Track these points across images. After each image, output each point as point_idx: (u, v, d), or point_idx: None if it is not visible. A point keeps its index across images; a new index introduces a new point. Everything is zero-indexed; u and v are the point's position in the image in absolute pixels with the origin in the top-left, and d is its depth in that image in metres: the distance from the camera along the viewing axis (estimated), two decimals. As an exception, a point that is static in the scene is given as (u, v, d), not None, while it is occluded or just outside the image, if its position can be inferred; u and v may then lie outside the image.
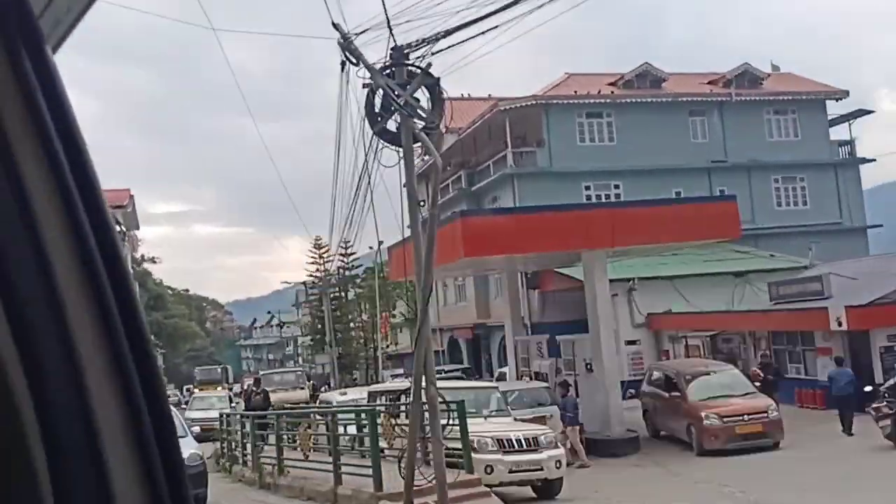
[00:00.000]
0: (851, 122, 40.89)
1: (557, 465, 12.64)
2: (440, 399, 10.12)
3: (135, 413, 0.82)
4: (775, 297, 23.82)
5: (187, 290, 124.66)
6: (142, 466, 0.81)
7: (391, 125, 10.94)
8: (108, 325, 0.82)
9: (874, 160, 41.06)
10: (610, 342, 18.54)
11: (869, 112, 41.14)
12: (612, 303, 30.89)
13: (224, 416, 23.97)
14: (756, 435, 16.47)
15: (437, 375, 26.07)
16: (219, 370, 60.33)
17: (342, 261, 42.52)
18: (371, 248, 34.41)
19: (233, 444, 20.42)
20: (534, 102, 35.42)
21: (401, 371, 41.18)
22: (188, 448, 11.85)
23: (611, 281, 30.57)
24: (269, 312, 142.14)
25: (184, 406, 49.73)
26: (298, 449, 13.85)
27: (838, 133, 40.98)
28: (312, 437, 13.46)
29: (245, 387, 31.61)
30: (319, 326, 46.36)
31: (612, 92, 37.28)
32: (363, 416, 13.30)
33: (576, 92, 36.24)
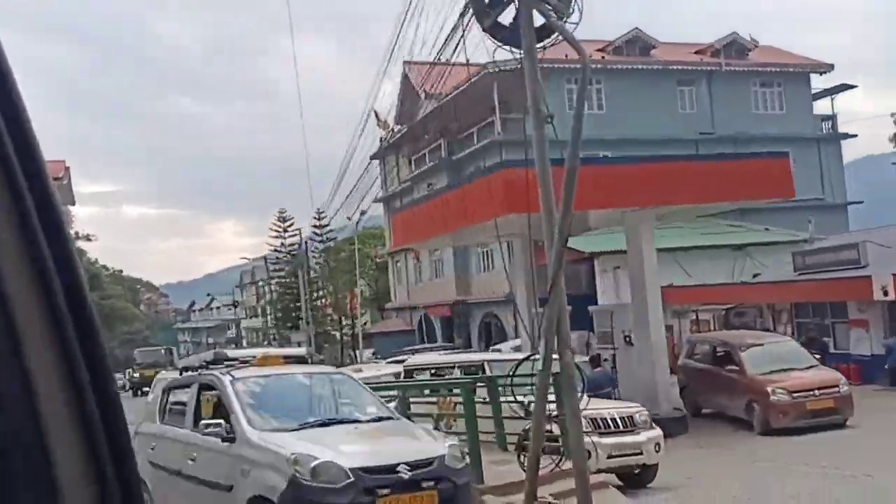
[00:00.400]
0: (834, 97, 40.33)
1: (657, 448, 10.81)
2: (573, 369, 8.10)
3: (82, 400, 0.79)
4: (801, 266, 22.49)
5: (121, 271, 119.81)
6: (89, 454, 0.79)
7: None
8: (55, 312, 0.79)
9: (856, 136, 40.60)
10: (658, 312, 16.80)
11: (852, 87, 40.54)
12: (613, 276, 29.79)
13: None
14: (827, 411, 14.99)
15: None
16: (162, 351, 57.02)
17: (315, 232, 39.88)
18: (349, 218, 32.13)
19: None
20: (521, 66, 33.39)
21: (371, 351, 39.02)
22: None
23: (610, 253, 29.36)
24: (208, 295, 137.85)
25: (128, 390, 46.28)
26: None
27: (819, 108, 40.36)
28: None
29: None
30: (288, 303, 43.63)
31: (603, 58, 35.61)
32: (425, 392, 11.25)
33: (566, 56, 34.36)
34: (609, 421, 10.61)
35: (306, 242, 38.44)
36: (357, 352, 36.97)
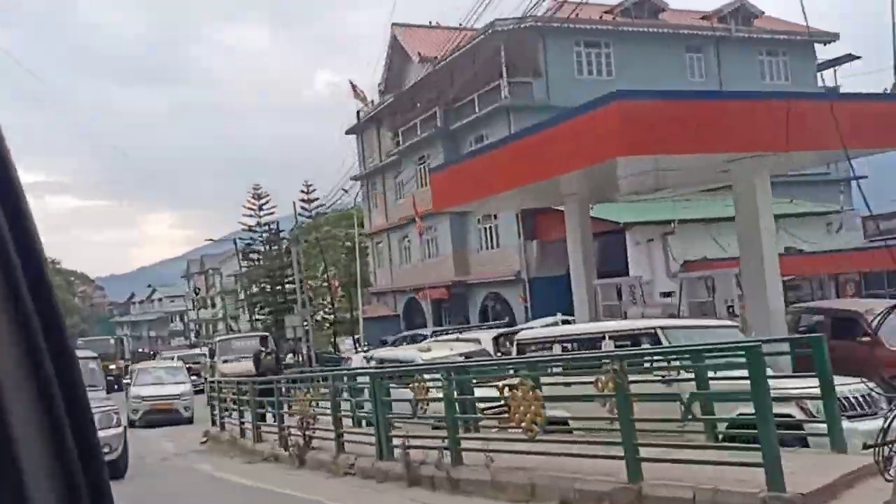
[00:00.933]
0: (837, 67, 39.02)
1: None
2: None
3: (49, 398, 0.78)
4: (873, 233, 20.52)
5: (58, 263, 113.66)
6: (56, 455, 0.78)
7: None
8: (20, 309, 0.78)
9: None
10: (776, 277, 14.43)
11: (856, 58, 39.22)
12: (647, 248, 27.46)
13: (217, 383, 18.76)
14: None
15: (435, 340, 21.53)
16: (112, 341, 52.88)
17: (304, 208, 36.49)
18: (346, 190, 29.05)
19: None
20: (532, 24, 30.80)
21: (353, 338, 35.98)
22: None
23: (642, 223, 27.11)
24: (149, 286, 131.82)
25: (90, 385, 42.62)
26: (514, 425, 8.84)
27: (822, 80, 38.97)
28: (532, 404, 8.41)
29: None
30: (265, 286, 40.02)
31: (614, 18, 33.32)
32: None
33: (577, 14, 31.96)
34: (853, 401, 8.14)
35: (299, 216, 35.07)
36: (355, 338, 33.90)
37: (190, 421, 20.97)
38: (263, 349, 21.29)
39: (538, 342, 10.67)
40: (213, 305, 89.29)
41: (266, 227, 40.70)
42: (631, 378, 7.69)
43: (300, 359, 27.11)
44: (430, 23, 38.68)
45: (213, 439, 16.99)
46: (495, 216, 32.47)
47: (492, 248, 33.21)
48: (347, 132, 45.79)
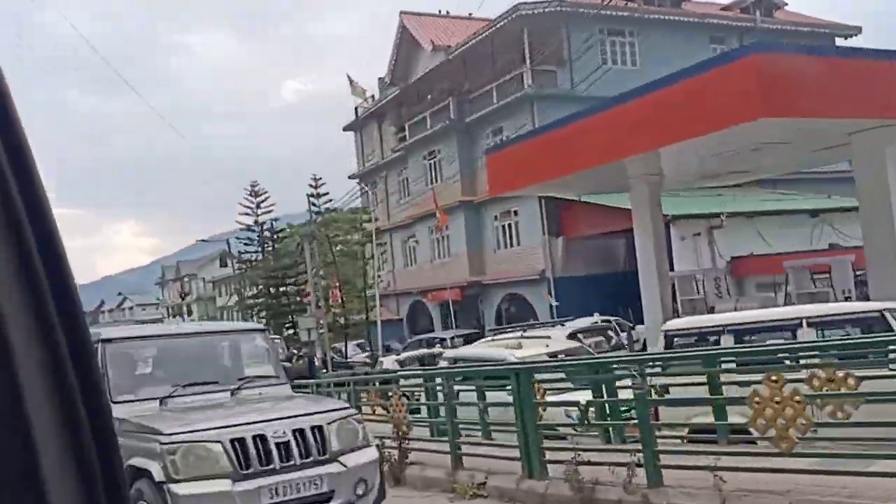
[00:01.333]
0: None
1: None
2: None
3: (71, 410, 0.78)
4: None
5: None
6: (77, 455, 0.78)
7: None
8: (45, 320, 0.78)
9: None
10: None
11: (876, 52, 38.14)
12: (693, 243, 25.73)
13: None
14: None
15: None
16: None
17: (313, 202, 34.14)
18: (363, 186, 26.77)
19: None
20: (557, 8, 29.06)
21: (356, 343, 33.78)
22: None
23: (688, 217, 25.43)
24: (119, 294, 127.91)
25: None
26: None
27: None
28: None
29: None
30: (265, 288, 37.52)
31: (640, 5, 31.76)
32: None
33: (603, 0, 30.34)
34: None
35: (313, 212, 32.69)
36: (370, 340, 31.66)
37: None
38: (295, 352, 19.20)
39: (699, 332, 8.76)
40: (190, 312, 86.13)
41: (262, 226, 38.31)
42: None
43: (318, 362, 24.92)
44: (439, 12, 36.82)
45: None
46: (515, 212, 30.66)
47: (510, 246, 31.35)
48: (345, 129, 43.72)
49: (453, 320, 36.02)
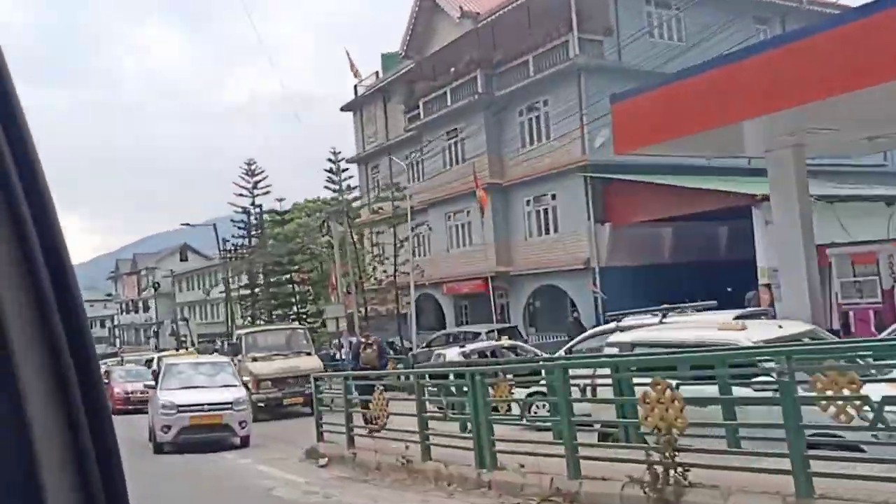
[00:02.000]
0: None
1: None
2: None
3: (70, 404, 0.78)
4: None
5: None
6: (76, 459, 0.78)
7: None
8: (47, 321, 0.78)
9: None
10: None
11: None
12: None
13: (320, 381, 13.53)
14: None
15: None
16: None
17: (331, 179, 30.69)
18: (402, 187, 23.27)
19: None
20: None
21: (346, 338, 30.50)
22: None
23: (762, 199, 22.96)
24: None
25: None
26: None
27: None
28: None
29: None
30: (265, 276, 33.85)
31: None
32: None
33: (650, -33, 27.92)
34: None
35: (341, 190, 29.19)
36: (400, 333, 28.50)
37: (245, 443, 14.85)
38: (363, 340, 16.11)
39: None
40: (147, 309, 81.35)
41: (259, 207, 34.81)
42: None
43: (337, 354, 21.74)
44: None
45: (335, 460, 11.72)
46: (553, 196, 27.93)
47: (546, 233, 28.59)
48: (343, 109, 40.49)
49: (466, 315, 33.18)
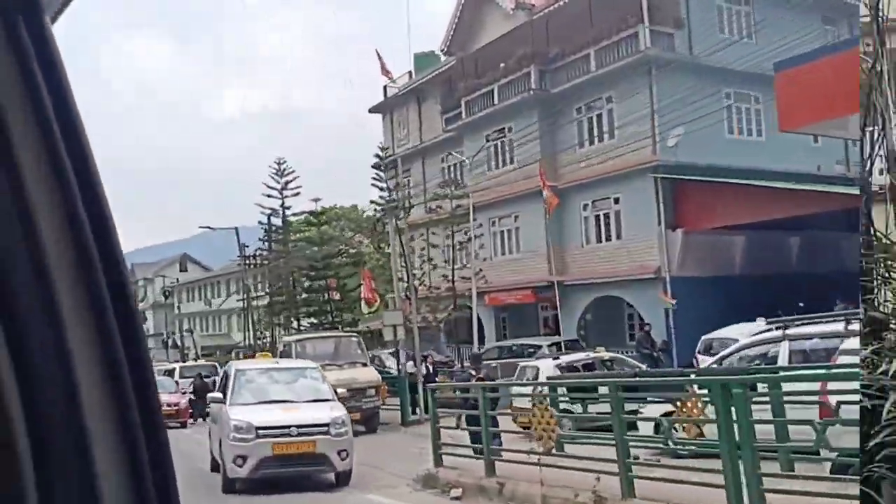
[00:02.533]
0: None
1: None
2: None
3: (126, 416, 0.80)
4: None
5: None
6: (129, 459, 0.79)
7: None
8: (103, 324, 0.79)
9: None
10: None
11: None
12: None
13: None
14: None
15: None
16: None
17: (378, 176, 28.34)
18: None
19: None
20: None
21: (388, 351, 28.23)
22: None
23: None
24: None
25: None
26: None
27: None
28: None
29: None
30: (302, 282, 31.37)
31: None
32: None
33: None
34: None
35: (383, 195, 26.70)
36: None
37: (345, 480, 11.46)
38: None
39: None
40: (144, 320, 78.58)
41: (285, 210, 32.49)
42: None
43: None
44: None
45: (470, 490, 9.45)
46: (616, 200, 25.89)
47: (607, 240, 26.50)
48: (372, 111, 38.46)
49: (506, 327, 31.02)
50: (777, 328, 11.80)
